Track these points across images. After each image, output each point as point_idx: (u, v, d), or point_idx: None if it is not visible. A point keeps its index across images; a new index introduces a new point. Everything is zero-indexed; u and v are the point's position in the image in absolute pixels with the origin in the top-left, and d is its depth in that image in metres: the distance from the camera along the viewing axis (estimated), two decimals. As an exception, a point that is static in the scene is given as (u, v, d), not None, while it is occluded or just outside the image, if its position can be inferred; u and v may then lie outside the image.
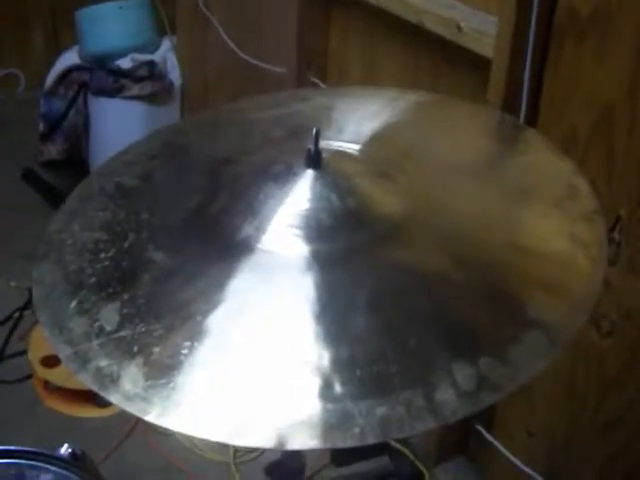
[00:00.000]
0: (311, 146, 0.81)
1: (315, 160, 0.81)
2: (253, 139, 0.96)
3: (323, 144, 0.82)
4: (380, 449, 1.64)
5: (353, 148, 0.89)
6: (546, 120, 1.35)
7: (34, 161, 2.64)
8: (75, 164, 2.60)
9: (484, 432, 1.66)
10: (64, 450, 0.92)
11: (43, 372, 1.88)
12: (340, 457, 1.64)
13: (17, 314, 2.11)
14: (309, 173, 0.81)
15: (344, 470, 1.63)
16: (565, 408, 1.47)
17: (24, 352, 1.99)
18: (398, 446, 1.66)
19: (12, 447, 0.91)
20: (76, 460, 0.91)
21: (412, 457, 1.67)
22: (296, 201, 0.80)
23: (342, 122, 0.95)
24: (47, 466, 0.91)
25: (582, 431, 1.45)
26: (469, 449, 1.76)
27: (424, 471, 1.67)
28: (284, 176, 0.82)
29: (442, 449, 1.76)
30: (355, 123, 0.95)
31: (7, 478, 0.90)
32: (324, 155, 0.82)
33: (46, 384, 1.91)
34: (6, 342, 2.06)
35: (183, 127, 1.07)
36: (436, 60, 1.61)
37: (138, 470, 1.74)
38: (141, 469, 1.75)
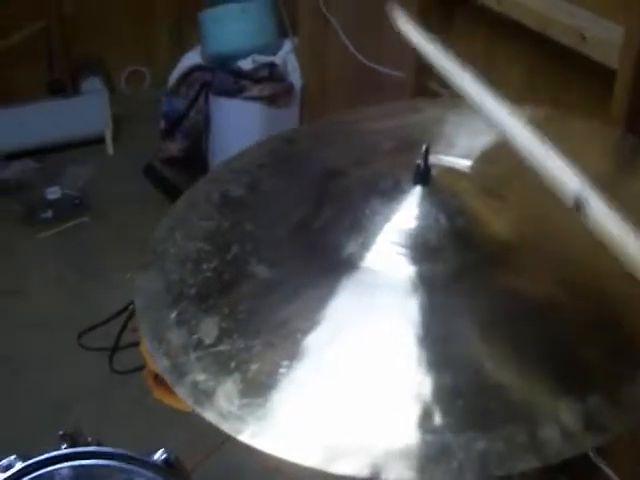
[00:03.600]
0: (420, 162, 0.79)
1: (424, 177, 0.79)
2: (363, 151, 0.94)
3: (433, 159, 0.80)
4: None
5: (463, 164, 0.87)
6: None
7: (155, 157, 2.69)
8: (194, 162, 2.64)
9: (592, 455, 1.59)
10: (158, 456, 0.91)
11: (153, 364, 1.92)
12: None
13: (132, 306, 2.15)
14: (417, 190, 0.79)
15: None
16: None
17: (137, 344, 2.03)
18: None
19: (106, 449, 0.91)
20: (169, 467, 0.91)
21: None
22: (403, 219, 0.78)
23: (453, 136, 0.93)
24: (138, 469, 0.90)
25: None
26: (572, 469, 1.70)
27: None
28: (392, 192, 0.80)
29: (544, 468, 1.70)
30: (466, 137, 0.93)
31: (98, 479, 0.91)
32: (433, 171, 0.80)
33: (156, 376, 1.94)
34: (120, 333, 2.10)
35: (293, 136, 1.06)
36: (558, 70, 1.56)
37: (240, 468, 1.75)
38: (243, 468, 1.75)
